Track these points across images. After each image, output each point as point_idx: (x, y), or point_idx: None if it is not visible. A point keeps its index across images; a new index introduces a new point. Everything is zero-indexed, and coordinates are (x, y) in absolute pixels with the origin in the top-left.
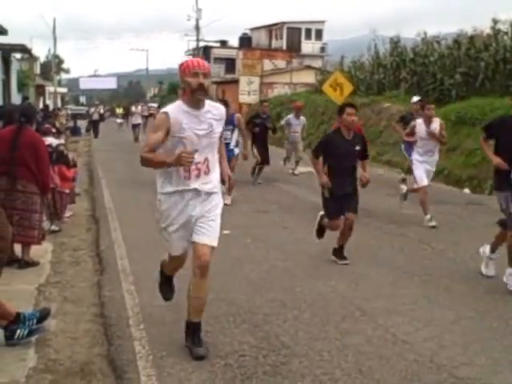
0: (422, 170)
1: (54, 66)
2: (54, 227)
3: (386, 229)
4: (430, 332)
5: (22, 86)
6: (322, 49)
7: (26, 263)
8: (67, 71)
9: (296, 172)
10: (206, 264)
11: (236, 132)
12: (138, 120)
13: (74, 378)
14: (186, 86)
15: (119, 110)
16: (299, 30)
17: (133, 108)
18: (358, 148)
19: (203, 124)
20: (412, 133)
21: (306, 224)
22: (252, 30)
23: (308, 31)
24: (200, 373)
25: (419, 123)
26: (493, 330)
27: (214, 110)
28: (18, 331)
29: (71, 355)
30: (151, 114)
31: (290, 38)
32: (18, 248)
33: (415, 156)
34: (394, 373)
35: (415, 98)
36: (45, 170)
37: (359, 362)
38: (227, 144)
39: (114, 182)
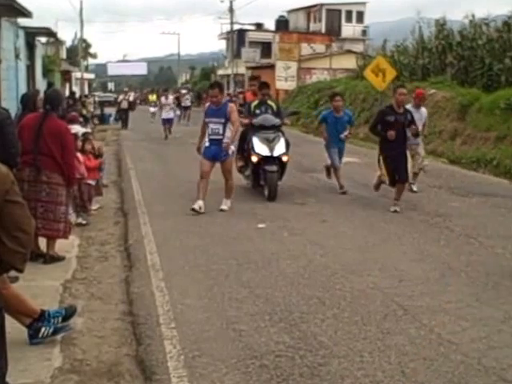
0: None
1: (80, 50)
2: (80, 220)
3: (432, 222)
4: (478, 332)
5: (47, 72)
6: (364, 32)
7: (51, 258)
8: (95, 56)
9: (415, 188)
10: None
11: (229, 126)
12: (171, 114)
13: (101, 379)
14: None
15: (152, 97)
16: (339, 11)
17: (162, 99)
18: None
19: None
20: None
21: (346, 217)
22: (289, 12)
23: (349, 13)
24: (234, 374)
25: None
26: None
27: None
28: (43, 329)
29: (98, 355)
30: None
31: (329, 21)
32: (42, 242)
33: None
34: (439, 375)
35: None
36: (70, 160)
37: (402, 364)
38: (217, 141)
39: (144, 173)
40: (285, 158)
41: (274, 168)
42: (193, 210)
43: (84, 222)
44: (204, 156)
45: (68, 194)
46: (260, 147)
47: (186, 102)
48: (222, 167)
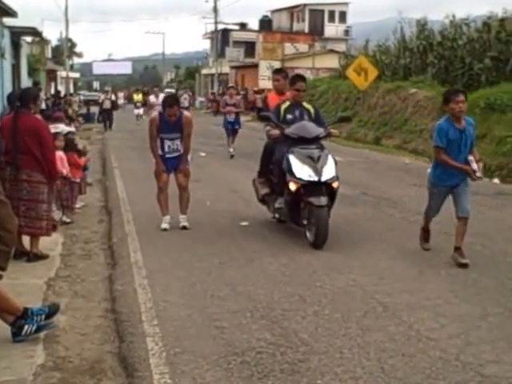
0: None
1: (66, 49)
2: (65, 218)
3: (412, 220)
4: (456, 328)
5: (32, 71)
6: (346, 32)
7: (34, 256)
8: (80, 55)
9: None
10: None
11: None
12: None
13: (84, 377)
14: None
15: (137, 97)
16: (322, 12)
17: (151, 98)
18: None
19: None
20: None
21: None
22: (273, 12)
23: (331, 13)
24: (215, 370)
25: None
26: None
27: None
28: (26, 327)
29: (81, 352)
30: None
31: (312, 21)
32: (26, 240)
33: None
34: (418, 371)
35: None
36: (49, 156)
37: (381, 360)
38: (176, 158)
39: (128, 172)
40: (335, 184)
41: (323, 201)
42: (164, 229)
43: (68, 220)
44: (152, 148)
45: (50, 191)
46: (301, 169)
47: (184, 102)
48: (179, 175)
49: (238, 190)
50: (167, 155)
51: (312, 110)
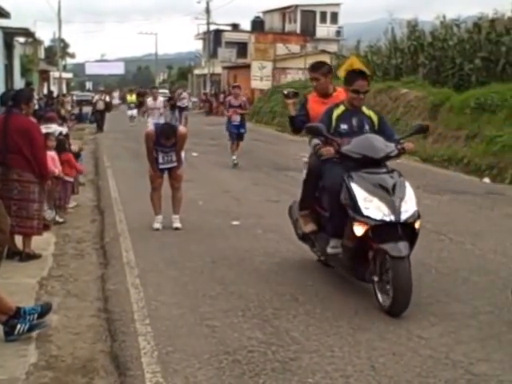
0: None
1: (58, 50)
2: (58, 218)
3: None
4: (446, 327)
5: (25, 71)
6: (338, 33)
7: (27, 256)
8: (73, 56)
9: None
10: None
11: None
12: (162, 120)
13: (76, 375)
14: None
15: (131, 98)
16: (314, 12)
17: (149, 101)
18: None
19: None
20: None
21: None
22: (265, 13)
23: (323, 14)
24: (207, 369)
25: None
26: (511, 325)
27: None
28: (18, 326)
29: (73, 351)
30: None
31: (304, 22)
32: (19, 240)
33: None
34: (408, 369)
35: None
36: (40, 156)
37: (372, 359)
38: (171, 168)
39: (120, 172)
40: (417, 225)
41: (403, 249)
42: (157, 229)
43: (61, 219)
44: (150, 162)
45: (41, 191)
46: (370, 204)
47: (183, 101)
48: (172, 174)
49: (230, 190)
50: (161, 166)
51: (375, 118)
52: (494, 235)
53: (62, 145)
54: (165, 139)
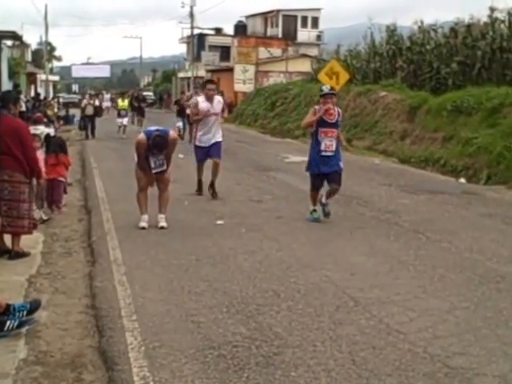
0: None
1: (45, 53)
2: (43, 216)
3: (382, 218)
4: (424, 322)
5: (12, 74)
6: (318, 37)
7: (16, 254)
8: (59, 59)
9: None
10: None
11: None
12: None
13: (65, 370)
14: None
15: (123, 103)
16: (295, 17)
17: (202, 102)
18: None
19: None
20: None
21: (300, 214)
22: (247, 17)
23: (304, 19)
24: (193, 364)
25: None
26: (487, 320)
27: None
28: (8, 323)
29: (62, 347)
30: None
31: (285, 26)
32: (8, 239)
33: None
34: (388, 363)
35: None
36: (31, 155)
37: (353, 353)
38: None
39: (107, 172)
40: None
41: None
42: (143, 228)
43: (45, 217)
44: (141, 168)
45: (31, 191)
46: None
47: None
48: (160, 177)
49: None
50: (154, 171)
51: None
52: (469, 234)
53: (61, 146)
54: (158, 152)
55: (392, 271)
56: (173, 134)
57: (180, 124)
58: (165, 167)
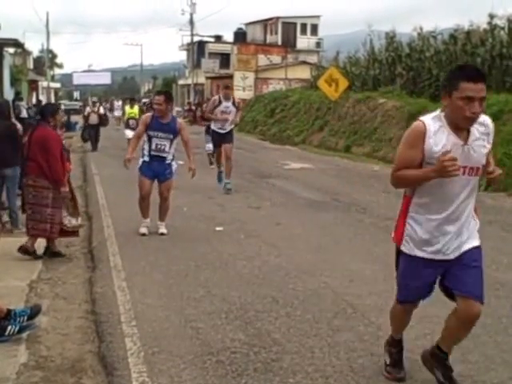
0: None
1: (47, 60)
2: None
3: (381, 225)
4: (423, 329)
5: (14, 81)
6: (318, 44)
7: (52, 253)
8: (61, 66)
9: None
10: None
11: (175, 143)
12: None
13: (65, 375)
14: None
15: (131, 110)
16: (294, 24)
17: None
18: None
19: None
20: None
21: (299, 220)
22: (247, 24)
23: (303, 26)
24: (191, 369)
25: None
26: (486, 327)
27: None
28: (9, 328)
29: (62, 352)
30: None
31: (285, 33)
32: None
33: None
34: None
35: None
36: (53, 166)
37: (351, 359)
38: (163, 158)
39: (108, 179)
40: None
41: None
42: (143, 234)
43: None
44: (144, 174)
45: (56, 197)
46: None
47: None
48: (162, 186)
49: (214, 197)
50: (153, 153)
51: None
52: None
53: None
54: (157, 95)
55: (390, 278)
56: (183, 122)
57: (210, 146)
58: (166, 154)
